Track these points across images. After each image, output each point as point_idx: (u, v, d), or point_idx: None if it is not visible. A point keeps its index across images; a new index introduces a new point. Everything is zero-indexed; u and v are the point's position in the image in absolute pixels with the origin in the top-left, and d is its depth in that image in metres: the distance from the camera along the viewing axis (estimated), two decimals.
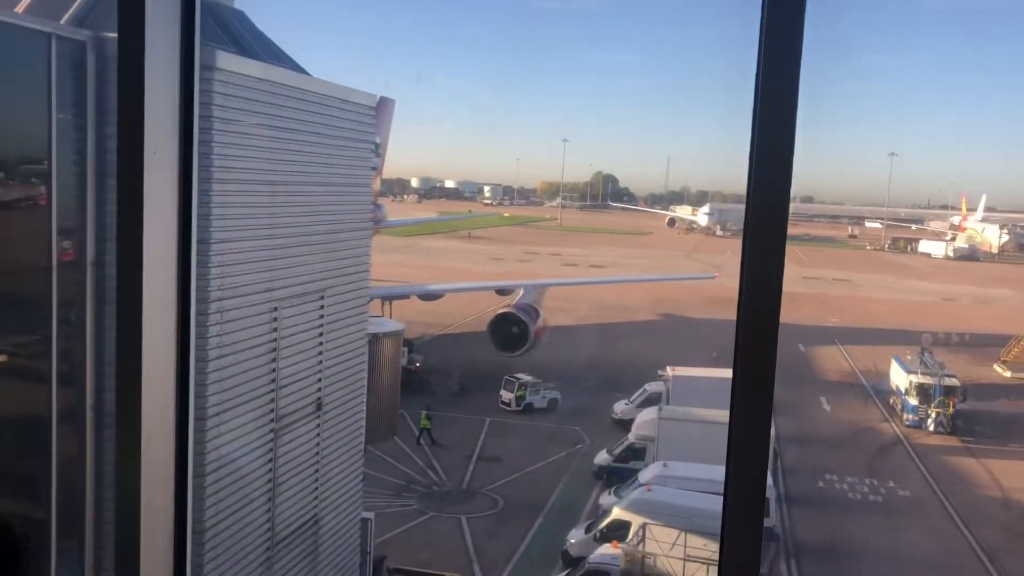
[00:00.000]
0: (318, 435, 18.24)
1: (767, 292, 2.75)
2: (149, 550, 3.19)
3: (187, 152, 3.20)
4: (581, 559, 26.22)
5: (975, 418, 46.24)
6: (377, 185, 63.72)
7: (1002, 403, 50.91)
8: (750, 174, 2.84)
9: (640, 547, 25.15)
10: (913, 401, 45.17)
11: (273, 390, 16.34)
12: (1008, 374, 57.72)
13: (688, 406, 37.58)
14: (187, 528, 3.24)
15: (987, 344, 64.27)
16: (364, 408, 20.69)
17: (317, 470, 18.20)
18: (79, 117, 14.23)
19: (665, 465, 31.35)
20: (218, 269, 14.27)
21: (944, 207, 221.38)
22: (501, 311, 51.53)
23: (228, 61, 14.65)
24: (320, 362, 18.21)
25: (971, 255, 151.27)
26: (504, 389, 45.77)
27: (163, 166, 3.16)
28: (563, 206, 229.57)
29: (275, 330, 16.39)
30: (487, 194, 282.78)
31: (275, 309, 16.35)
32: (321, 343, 18.23)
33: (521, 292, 55.32)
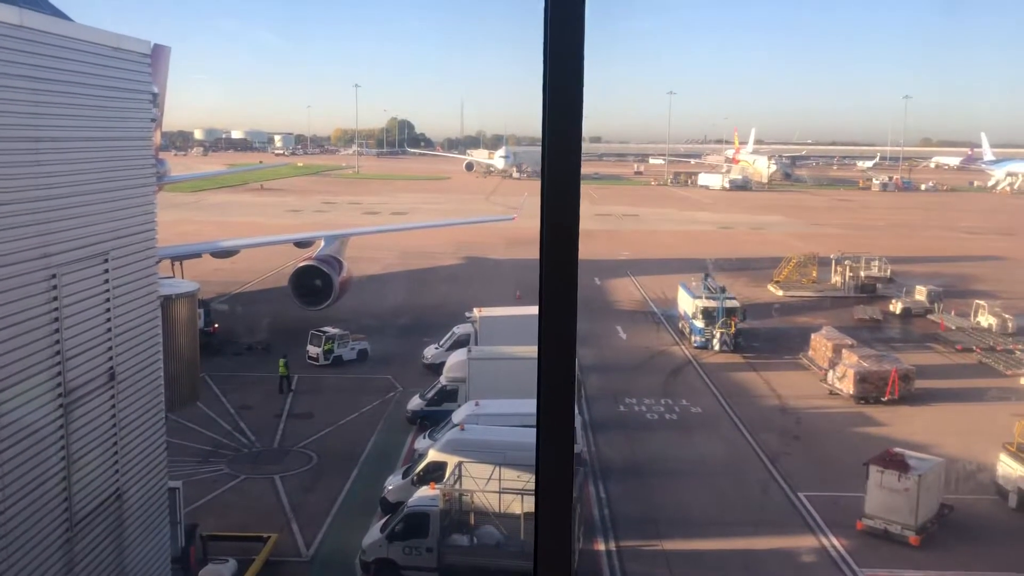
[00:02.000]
0: (114, 406, 17.29)
1: (566, 230, 2.88)
2: None
3: None
4: (400, 504, 26.49)
5: (754, 335, 50.43)
6: (157, 139, 59.90)
7: (776, 320, 55.83)
8: (544, 117, 2.94)
9: (457, 485, 25.70)
10: (699, 324, 48.50)
11: (59, 363, 15.27)
12: (780, 293, 63.21)
13: (496, 345, 38.55)
14: None
15: (762, 267, 69.96)
16: (162, 375, 19.77)
17: (116, 443, 17.28)
18: None
19: (477, 404, 32.03)
20: None
21: (719, 142, 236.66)
22: (301, 264, 50.24)
23: None
24: (109, 329, 17.18)
25: (744, 185, 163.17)
26: (311, 344, 44.89)
27: None
28: (360, 154, 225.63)
29: (55, 299, 15.26)
30: (278, 144, 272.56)
31: (53, 276, 15.20)
32: (108, 309, 17.18)
33: (322, 243, 54.14)
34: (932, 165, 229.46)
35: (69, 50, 15.79)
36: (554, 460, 3.01)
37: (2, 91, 13.88)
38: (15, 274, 14.22)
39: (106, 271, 17.05)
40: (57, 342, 15.27)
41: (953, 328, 52.13)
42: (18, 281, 14.31)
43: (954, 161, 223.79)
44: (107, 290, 17.08)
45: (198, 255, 54.89)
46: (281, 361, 41.02)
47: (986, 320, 52.36)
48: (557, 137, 2.94)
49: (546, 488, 3.02)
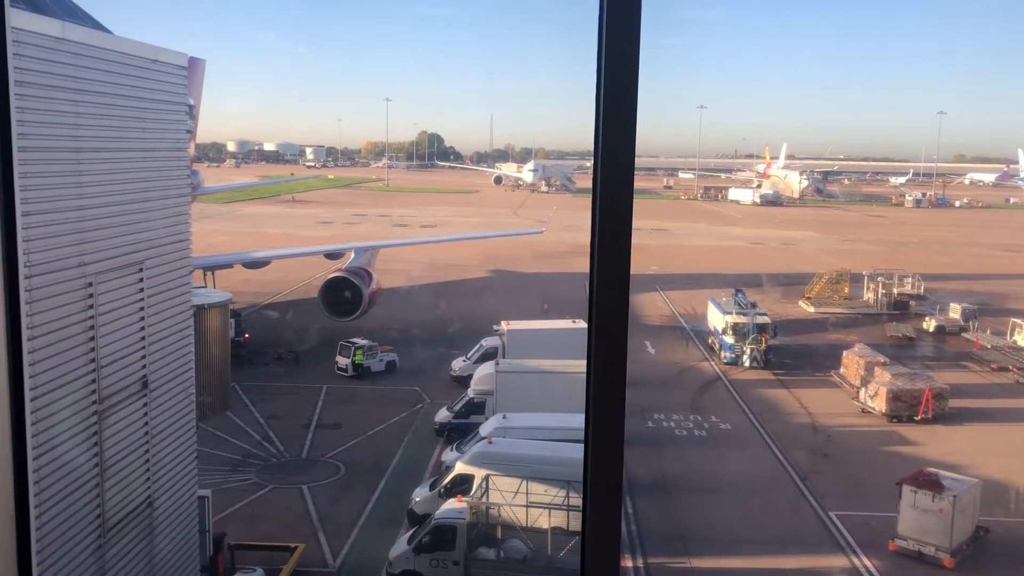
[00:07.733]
0: (146, 414, 17.45)
1: (617, 247, 2.85)
2: None
3: (3, 121, 2.92)
4: (427, 516, 26.47)
5: (785, 352, 49.92)
6: (191, 150, 60.59)
7: (807, 336, 55.24)
8: (597, 134, 2.91)
9: (484, 498, 25.66)
10: (729, 340, 48.12)
11: (94, 370, 15.44)
12: (812, 309, 62.57)
13: (523, 358, 38.48)
14: (30, 527, 3.02)
15: (793, 283, 69.32)
16: (194, 383, 19.94)
17: (148, 451, 17.42)
18: None
19: (504, 417, 31.99)
20: (23, 244, 13.24)
21: (750, 156, 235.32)
22: (332, 275, 50.54)
23: (21, 18, 13.47)
24: (143, 338, 17.37)
25: (775, 201, 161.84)
26: (340, 355, 45.11)
27: None
28: (389, 167, 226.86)
29: (91, 307, 15.45)
30: (310, 156, 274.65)
31: (90, 284, 15.40)
32: (143, 317, 17.37)
33: (352, 255, 54.42)
34: (967, 182, 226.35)
35: (109, 62, 16.04)
36: (603, 476, 2.96)
37: (45, 102, 14.12)
38: (52, 282, 14.42)
39: (141, 280, 17.25)
40: (92, 349, 15.45)
41: (988, 347, 51.28)
42: (55, 289, 14.51)
43: (989, 178, 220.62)
44: (141, 299, 17.28)
45: (229, 265, 55.39)
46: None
47: (1023, 339, 51.47)
48: (610, 154, 2.91)
49: (595, 502, 2.98)
